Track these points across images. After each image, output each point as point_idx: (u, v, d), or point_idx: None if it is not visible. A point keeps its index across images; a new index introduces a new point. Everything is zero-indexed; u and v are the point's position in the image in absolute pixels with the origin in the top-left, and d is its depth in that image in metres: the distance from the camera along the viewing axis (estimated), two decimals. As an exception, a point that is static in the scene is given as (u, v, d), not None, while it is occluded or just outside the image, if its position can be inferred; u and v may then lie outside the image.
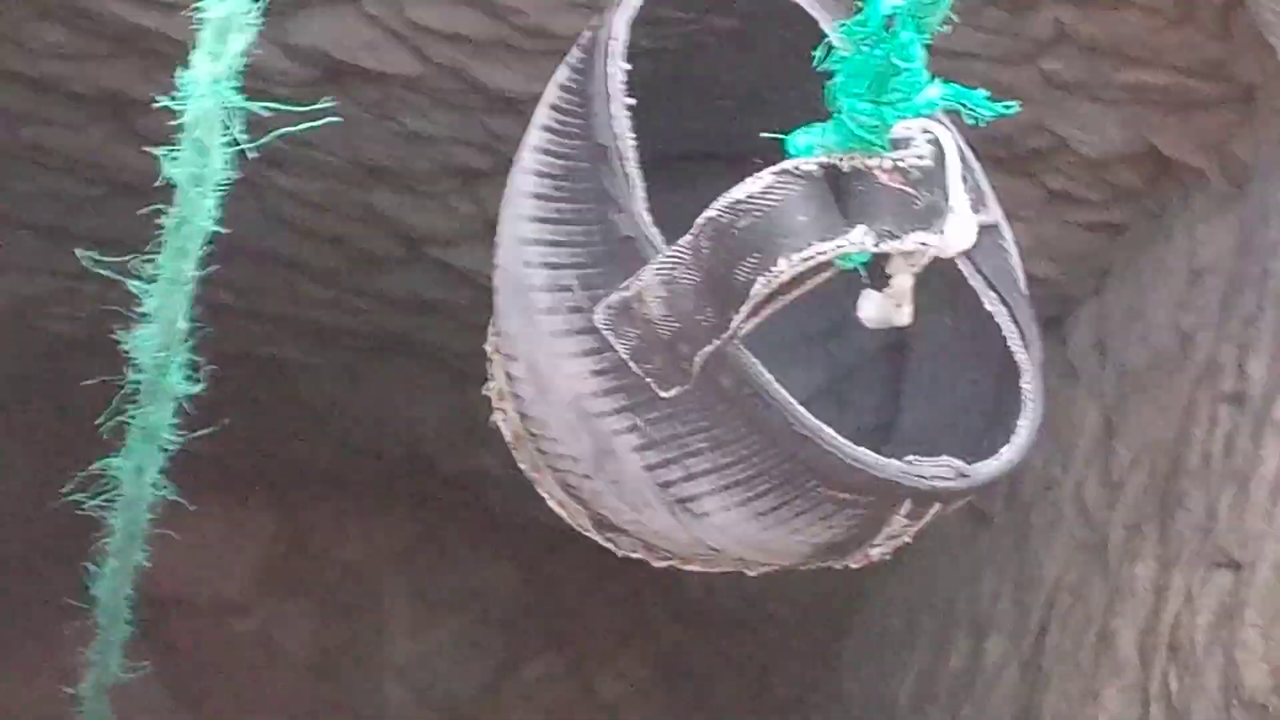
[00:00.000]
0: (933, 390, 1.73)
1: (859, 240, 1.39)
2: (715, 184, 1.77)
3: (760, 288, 1.39)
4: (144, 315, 1.65)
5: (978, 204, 1.51)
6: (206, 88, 1.26)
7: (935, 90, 1.37)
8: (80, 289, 4.84)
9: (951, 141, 1.49)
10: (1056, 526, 3.25)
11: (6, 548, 5.89)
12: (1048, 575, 3.20)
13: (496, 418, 1.78)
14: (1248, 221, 2.81)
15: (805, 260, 1.38)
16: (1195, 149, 3.06)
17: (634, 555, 1.72)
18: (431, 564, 6.74)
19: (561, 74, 1.61)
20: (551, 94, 1.60)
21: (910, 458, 1.47)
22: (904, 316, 1.54)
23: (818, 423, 1.45)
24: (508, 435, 1.76)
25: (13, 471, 5.63)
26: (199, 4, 1.28)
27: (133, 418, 1.82)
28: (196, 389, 1.75)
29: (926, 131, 1.45)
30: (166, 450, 1.90)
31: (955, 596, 3.76)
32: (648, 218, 1.48)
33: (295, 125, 1.42)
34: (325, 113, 1.39)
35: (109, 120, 3.87)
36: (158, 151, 1.41)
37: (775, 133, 1.68)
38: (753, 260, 1.39)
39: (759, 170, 1.73)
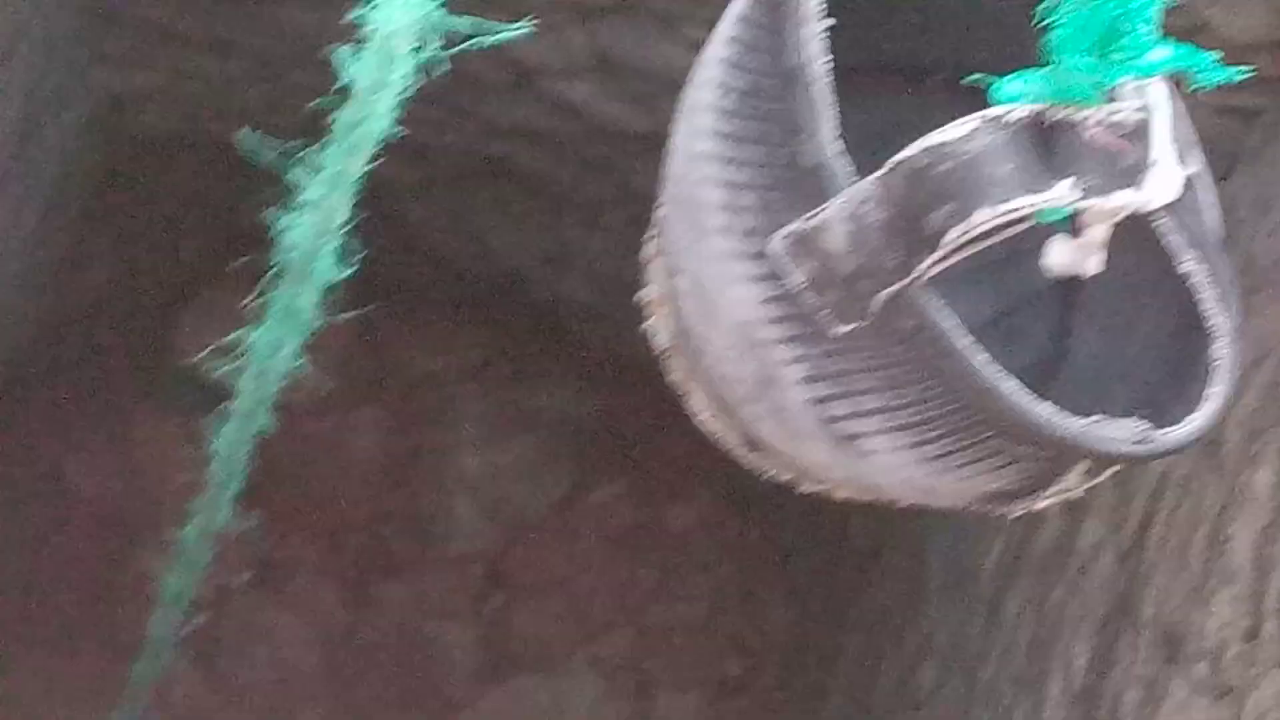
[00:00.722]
0: (1106, 331, 1.67)
1: (1064, 196, 1.33)
2: (894, 101, 1.71)
3: (954, 236, 1.33)
4: (302, 204, 1.60)
5: (1184, 154, 1.44)
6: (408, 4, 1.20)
7: (1163, 52, 1.30)
8: (178, 86, 4.79)
9: (1163, 90, 1.42)
10: (1166, 414, 3.17)
11: (93, 336, 5.91)
12: (1154, 463, 3.13)
13: (652, 323, 1.73)
14: (1395, 125, 2.72)
15: (1005, 214, 1.32)
16: (1345, 41, 2.97)
17: (781, 479, 1.68)
18: (507, 382, 6.73)
19: (757, -18, 1.53)
20: (741, 3, 1.53)
21: (1095, 418, 1.42)
22: (1093, 267, 1.48)
23: (1000, 375, 1.39)
24: (663, 343, 1.71)
25: (99, 262, 5.62)
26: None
27: (277, 297, 1.78)
28: (347, 274, 1.71)
29: (1137, 80, 1.39)
30: (307, 331, 1.86)
31: (1049, 468, 3.70)
32: (838, 147, 1.41)
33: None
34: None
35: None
36: (341, 51, 1.36)
37: (953, 51, 1.63)
38: (949, 208, 1.33)
39: (937, 89, 1.67)
